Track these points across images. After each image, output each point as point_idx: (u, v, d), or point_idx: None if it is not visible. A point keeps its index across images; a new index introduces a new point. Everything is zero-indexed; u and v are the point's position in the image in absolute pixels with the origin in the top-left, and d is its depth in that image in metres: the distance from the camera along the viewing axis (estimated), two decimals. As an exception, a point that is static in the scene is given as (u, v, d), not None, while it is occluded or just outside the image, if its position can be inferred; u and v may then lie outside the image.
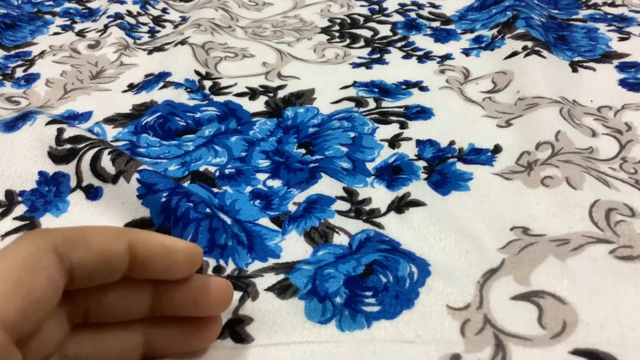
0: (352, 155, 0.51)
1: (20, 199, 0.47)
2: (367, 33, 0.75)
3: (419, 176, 0.49)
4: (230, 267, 0.39)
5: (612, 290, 0.36)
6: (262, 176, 0.49)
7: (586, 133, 0.51)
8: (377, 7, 0.82)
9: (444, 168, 0.49)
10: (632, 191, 0.44)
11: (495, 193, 0.46)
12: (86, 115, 0.59)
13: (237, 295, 0.38)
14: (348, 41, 0.73)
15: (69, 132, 0.49)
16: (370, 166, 0.50)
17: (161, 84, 0.63)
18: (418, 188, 0.47)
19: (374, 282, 0.38)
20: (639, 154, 0.49)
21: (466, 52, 0.68)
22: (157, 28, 0.80)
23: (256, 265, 0.40)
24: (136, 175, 0.45)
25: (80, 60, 0.70)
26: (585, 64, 0.64)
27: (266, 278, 0.39)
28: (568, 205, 0.43)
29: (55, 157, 0.49)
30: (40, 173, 0.48)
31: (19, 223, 0.46)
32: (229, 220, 0.43)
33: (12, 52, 0.73)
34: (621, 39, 0.68)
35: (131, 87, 0.65)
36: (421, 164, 0.50)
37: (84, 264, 0.27)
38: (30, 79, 0.66)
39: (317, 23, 0.78)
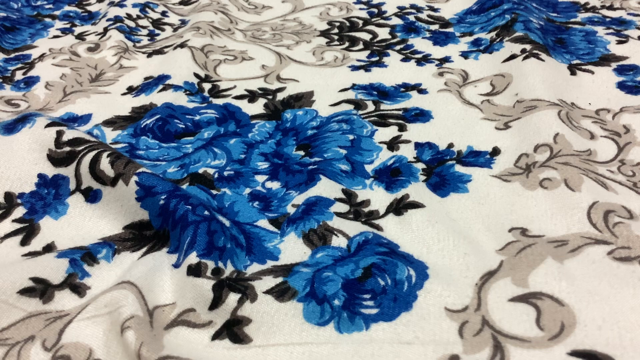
0: (351, 157, 0.51)
1: (19, 201, 0.47)
2: (366, 36, 0.75)
3: (418, 178, 0.49)
4: (229, 270, 0.39)
5: (610, 291, 0.36)
6: (261, 178, 0.50)
7: (584, 135, 0.51)
8: (376, 10, 0.82)
9: (443, 170, 0.49)
10: (629, 193, 0.45)
11: (494, 195, 0.46)
12: (85, 118, 0.59)
13: (236, 297, 0.38)
14: (347, 44, 0.73)
15: (68, 134, 0.49)
16: (369, 168, 0.50)
17: (160, 86, 0.64)
18: (417, 190, 0.47)
19: (372, 286, 0.38)
20: (637, 157, 0.49)
21: (465, 55, 0.68)
22: (157, 31, 0.80)
23: (255, 267, 0.40)
24: (135, 178, 0.45)
25: (80, 63, 0.70)
26: (583, 67, 0.64)
27: (265, 281, 0.39)
28: (566, 206, 0.43)
29: (55, 159, 0.49)
30: (40, 175, 0.48)
31: (18, 225, 0.46)
32: (227, 223, 0.43)
33: (12, 55, 0.73)
34: (619, 42, 0.68)
35: (130, 89, 0.65)
36: (420, 166, 0.50)
37: None
38: (30, 82, 0.67)
39: (316, 26, 0.79)
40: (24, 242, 0.45)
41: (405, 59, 0.68)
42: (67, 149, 0.49)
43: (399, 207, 0.46)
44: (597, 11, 0.77)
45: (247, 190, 0.48)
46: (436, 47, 0.71)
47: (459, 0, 0.82)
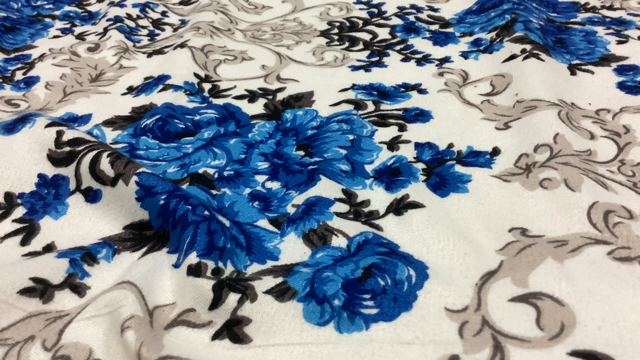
0: (351, 157, 0.51)
1: (19, 201, 0.47)
2: (366, 36, 0.75)
3: (418, 178, 0.49)
4: (229, 270, 0.39)
5: (610, 291, 0.36)
6: (261, 178, 0.50)
7: (584, 136, 0.51)
8: (376, 10, 0.82)
9: (443, 170, 0.49)
10: (629, 193, 0.45)
11: (494, 195, 0.46)
12: (86, 118, 0.59)
13: (236, 297, 0.38)
14: (347, 44, 0.73)
15: (69, 134, 0.49)
16: (369, 168, 0.50)
17: (160, 86, 0.64)
18: (417, 190, 0.47)
19: (372, 286, 0.38)
20: (637, 157, 0.49)
21: (465, 55, 0.68)
22: (157, 31, 0.80)
23: (255, 267, 0.40)
24: (135, 178, 0.45)
25: (80, 63, 0.70)
26: (583, 67, 0.64)
27: (265, 281, 0.39)
28: (566, 206, 0.43)
29: (55, 159, 0.49)
30: (40, 175, 0.48)
31: (18, 225, 0.46)
32: (227, 223, 0.43)
33: (12, 55, 0.73)
34: (619, 42, 0.68)
35: (130, 89, 0.65)
36: (420, 166, 0.50)
37: None
38: (30, 82, 0.67)
39: (316, 26, 0.79)
40: (24, 242, 0.45)
41: (405, 59, 0.68)
42: (67, 149, 0.49)
43: (399, 207, 0.46)
44: (597, 11, 0.77)
45: (247, 190, 0.48)
46: (436, 47, 0.71)
47: (459, 0, 0.82)
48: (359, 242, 0.42)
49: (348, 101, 0.60)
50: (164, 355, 0.33)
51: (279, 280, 0.39)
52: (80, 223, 0.46)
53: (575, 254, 0.39)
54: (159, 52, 0.73)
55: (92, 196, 0.47)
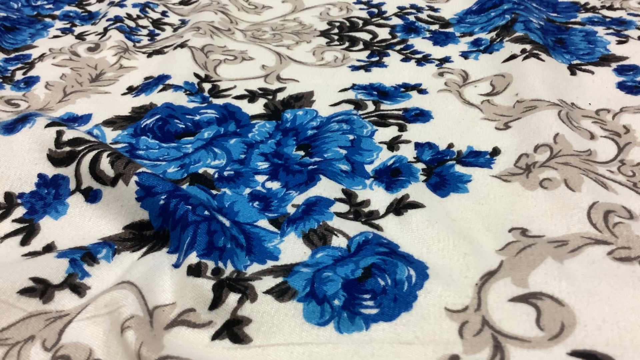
0: (351, 157, 0.51)
1: (19, 201, 0.47)
2: (366, 36, 0.75)
3: (418, 178, 0.49)
4: (229, 270, 0.39)
5: (610, 292, 0.36)
6: (261, 178, 0.50)
7: (584, 136, 0.51)
8: (376, 10, 0.82)
9: (443, 170, 0.49)
10: (629, 194, 0.45)
11: (494, 195, 0.46)
12: (86, 118, 0.59)
13: (236, 297, 0.38)
14: (347, 44, 0.73)
15: (69, 134, 0.49)
16: (369, 168, 0.50)
17: (160, 86, 0.64)
18: (417, 190, 0.47)
19: (372, 286, 0.38)
20: (637, 157, 0.49)
21: (465, 55, 0.68)
22: (157, 31, 0.80)
23: (255, 267, 0.40)
24: (135, 178, 0.45)
25: (80, 63, 0.70)
26: (583, 67, 0.64)
27: (265, 281, 0.39)
28: (566, 206, 0.43)
29: (55, 159, 0.49)
30: (40, 175, 0.48)
31: (18, 225, 0.46)
32: (227, 223, 0.43)
33: (12, 55, 0.73)
34: (619, 42, 0.68)
35: (130, 89, 0.65)
36: (420, 166, 0.50)
37: None
38: (30, 82, 0.67)
39: (316, 26, 0.79)
40: (24, 242, 0.45)
41: (405, 59, 0.68)
42: (67, 149, 0.49)
43: (399, 207, 0.46)
44: (597, 11, 0.77)
45: (247, 190, 0.48)
46: (436, 47, 0.71)
47: (459, 0, 0.82)
48: (359, 242, 0.42)
49: (348, 101, 0.60)
50: (164, 355, 0.33)
51: (279, 280, 0.39)
52: (80, 223, 0.46)
53: (575, 254, 0.39)
54: (159, 52, 0.73)
55: (92, 196, 0.47)
